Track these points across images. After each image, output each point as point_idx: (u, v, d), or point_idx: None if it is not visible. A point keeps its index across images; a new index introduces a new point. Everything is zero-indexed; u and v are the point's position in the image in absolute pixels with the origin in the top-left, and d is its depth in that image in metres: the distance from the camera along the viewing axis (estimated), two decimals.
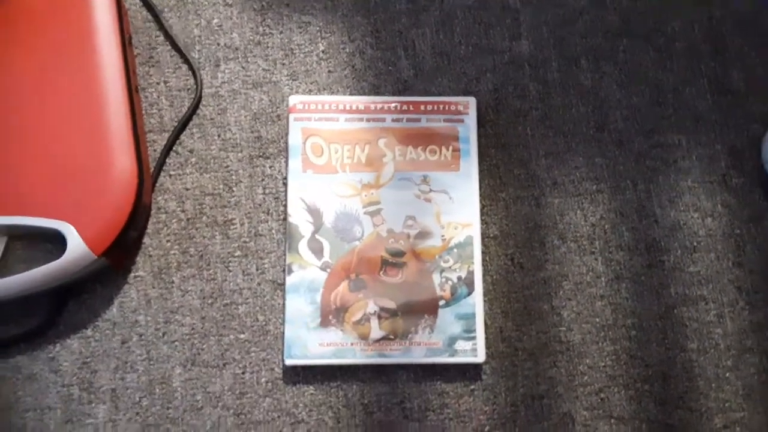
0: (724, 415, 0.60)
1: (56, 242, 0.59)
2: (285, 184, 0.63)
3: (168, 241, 0.61)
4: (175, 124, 0.64)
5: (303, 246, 0.60)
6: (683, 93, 0.66)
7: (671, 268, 0.62)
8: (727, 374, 0.60)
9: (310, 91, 0.65)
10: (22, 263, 0.59)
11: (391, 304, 0.59)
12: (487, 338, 0.60)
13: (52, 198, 0.56)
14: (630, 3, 0.68)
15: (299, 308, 0.59)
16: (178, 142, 0.63)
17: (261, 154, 0.63)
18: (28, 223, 0.56)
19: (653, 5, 0.68)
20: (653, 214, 0.63)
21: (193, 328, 0.60)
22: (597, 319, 0.61)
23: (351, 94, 0.65)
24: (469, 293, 0.60)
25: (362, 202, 0.61)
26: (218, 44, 0.65)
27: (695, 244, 0.63)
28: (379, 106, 0.63)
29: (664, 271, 0.62)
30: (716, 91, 0.66)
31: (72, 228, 0.56)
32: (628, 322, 0.61)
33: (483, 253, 0.62)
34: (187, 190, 0.63)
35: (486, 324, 0.61)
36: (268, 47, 0.66)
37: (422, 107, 0.63)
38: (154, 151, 0.63)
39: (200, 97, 0.64)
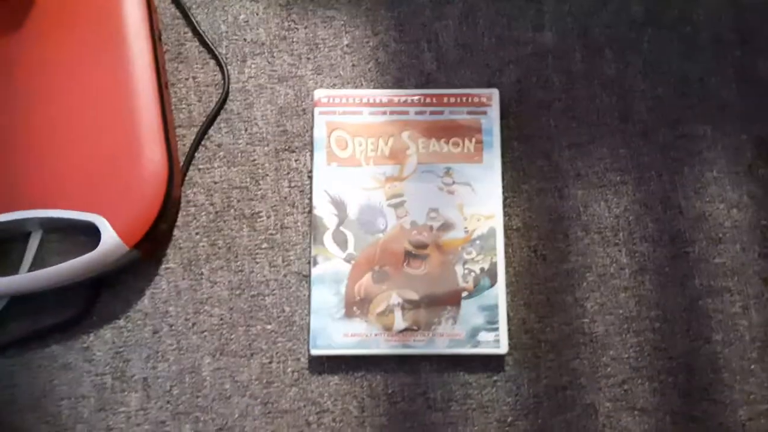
0: (748, 407, 0.59)
1: (90, 235, 0.60)
2: (310, 177, 0.64)
3: (197, 233, 0.63)
4: (204, 118, 0.65)
5: (328, 238, 0.61)
6: (709, 83, 0.65)
7: (696, 260, 0.62)
8: (752, 366, 0.60)
9: (334, 85, 0.66)
10: (57, 255, 0.61)
11: (415, 296, 0.60)
12: (509, 330, 0.61)
13: (85, 191, 0.58)
14: None
15: (324, 299, 0.60)
16: (206, 136, 0.65)
17: (287, 147, 0.64)
18: (63, 216, 0.58)
19: None
20: (678, 205, 0.63)
21: (221, 319, 0.61)
22: (621, 311, 0.61)
23: (375, 88, 0.66)
24: (492, 285, 0.60)
25: (386, 195, 0.62)
26: (245, 40, 0.67)
27: (720, 235, 0.63)
28: (402, 99, 0.64)
29: (689, 262, 0.62)
30: (742, 81, 0.65)
31: (105, 221, 0.57)
32: (652, 313, 0.61)
33: (506, 244, 0.62)
34: (215, 183, 0.64)
35: (509, 315, 0.61)
36: (293, 42, 0.66)
37: (445, 99, 0.64)
38: (184, 145, 0.65)
39: (227, 92, 0.65)
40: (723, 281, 0.62)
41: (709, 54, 0.66)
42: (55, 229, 0.61)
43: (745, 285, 0.62)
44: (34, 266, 0.60)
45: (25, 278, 0.57)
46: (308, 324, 0.61)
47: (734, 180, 0.64)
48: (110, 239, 0.57)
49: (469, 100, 0.64)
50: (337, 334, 0.59)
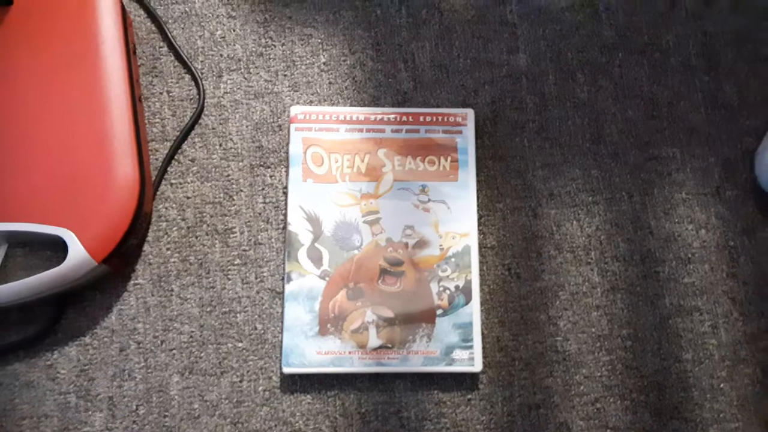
0: (718, 426, 0.60)
1: (57, 249, 0.59)
2: (285, 193, 0.63)
3: (168, 248, 0.62)
4: (178, 133, 0.64)
5: (302, 254, 0.60)
6: (677, 107, 0.67)
7: (666, 279, 0.63)
8: (722, 385, 0.61)
9: (310, 102, 0.66)
10: (22, 270, 0.59)
11: (389, 313, 0.60)
12: (484, 348, 0.61)
13: (53, 205, 0.57)
14: (626, 18, 0.69)
15: (298, 316, 0.59)
16: (179, 151, 0.64)
17: (262, 163, 0.64)
18: (29, 229, 0.56)
19: (648, 20, 0.69)
20: (648, 225, 0.64)
21: (191, 336, 0.60)
22: (593, 330, 0.62)
23: (351, 106, 0.66)
24: (467, 302, 0.60)
25: (361, 212, 0.62)
26: (221, 55, 0.66)
27: (690, 255, 0.64)
28: (378, 117, 0.64)
29: (659, 282, 0.63)
30: (710, 105, 0.67)
31: (73, 235, 0.56)
32: (623, 332, 0.62)
33: (480, 262, 0.63)
34: (188, 198, 0.63)
35: (483, 333, 0.61)
36: (270, 59, 0.66)
37: (421, 118, 0.64)
38: (156, 159, 0.64)
39: (202, 107, 0.65)
40: (692, 300, 0.63)
41: (678, 78, 0.68)
42: (20, 242, 0.60)
43: (713, 304, 0.63)
44: None
45: None
46: (281, 342, 0.60)
47: (702, 201, 0.65)
48: (78, 254, 0.56)
49: (445, 119, 0.64)
50: (310, 351, 0.58)
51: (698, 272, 0.63)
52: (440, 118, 0.64)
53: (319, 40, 0.67)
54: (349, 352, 0.59)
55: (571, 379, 0.60)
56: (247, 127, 0.65)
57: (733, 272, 0.63)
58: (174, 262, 0.61)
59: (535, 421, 0.60)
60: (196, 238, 0.62)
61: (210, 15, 0.67)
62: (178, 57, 0.66)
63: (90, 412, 0.58)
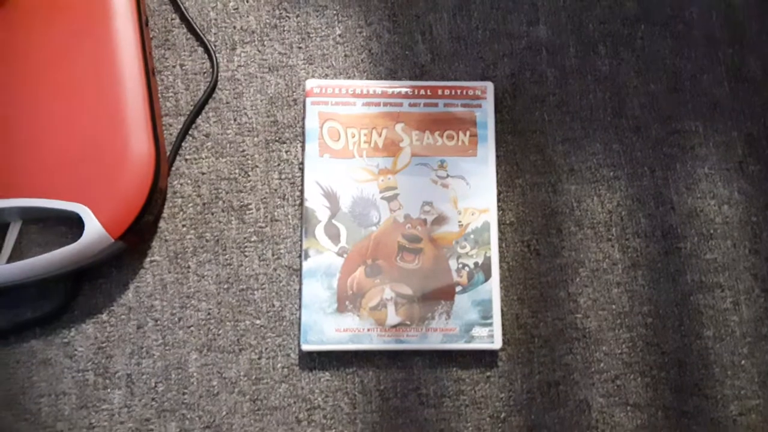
0: (739, 402, 0.60)
1: (72, 225, 0.58)
2: (301, 169, 0.62)
3: (184, 225, 0.61)
4: (191, 107, 0.63)
5: (319, 231, 0.60)
6: (700, 80, 0.66)
7: (688, 255, 0.62)
8: (743, 361, 0.60)
9: (326, 75, 0.64)
10: (38, 246, 0.59)
11: (408, 290, 0.59)
12: (503, 325, 0.60)
13: (68, 181, 0.56)
14: None
15: (316, 293, 0.59)
16: (194, 126, 0.63)
17: (277, 138, 0.63)
18: (45, 205, 0.55)
19: None
20: (670, 201, 0.63)
21: (209, 314, 0.59)
22: (613, 306, 0.61)
23: (368, 79, 0.64)
24: (486, 279, 0.59)
25: (379, 188, 0.61)
26: (234, 27, 0.65)
27: (712, 231, 0.63)
28: (396, 90, 0.63)
29: (681, 258, 0.62)
30: (733, 79, 0.66)
31: (89, 211, 0.55)
32: (644, 309, 0.61)
33: (499, 239, 0.62)
34: (203, 174, 0.62)
35: (502, 310, 0.60)
36: (284, 31, 0.65)
37: (440, 92, 0.63)
38: (170, 134, 0.63)
39: (216, 81, 0.64)
40: (714, 277, 0.62)
41: (701, 51, 0.66)
42: (36, 219, 0.59)
43: (735, 281, 0.62)
44: (13, 257, 0.57)
45: (3, 270, 0.55)
46: (299, 319, 0.60)
47: (725, 176, 0.64)
48: (94, 230, 0.55)
49: (464, 92, 0.63)
50: (328, 329, 0.58)
51: (720, 248, 0.62)
52: (459, 91, 0.63)
53: (334, 12, 0.66)
54: (368, 330, 0.58)
55: (591, 356, 0.60)
56: (261, 101, 0.64)
57: (755, 248, 0.62)
58: (190, 238, 0.61)
59: (555, 398, 0.59)
60: (212, 214, 0.61)
61: None
62: (191, 29, 0.64)
63: (108, 390, 0.58)
